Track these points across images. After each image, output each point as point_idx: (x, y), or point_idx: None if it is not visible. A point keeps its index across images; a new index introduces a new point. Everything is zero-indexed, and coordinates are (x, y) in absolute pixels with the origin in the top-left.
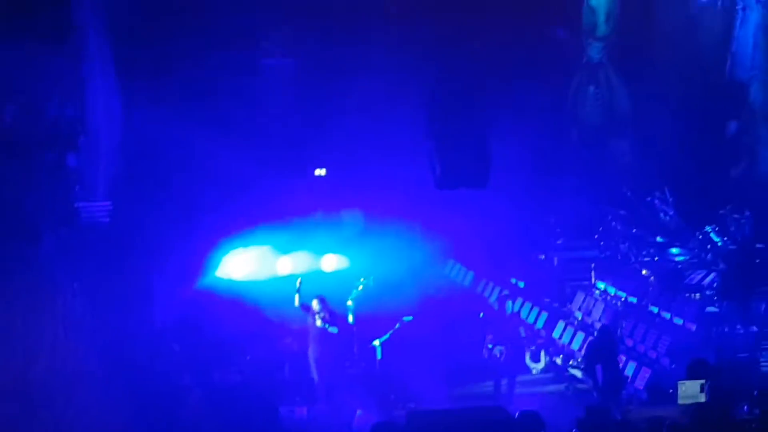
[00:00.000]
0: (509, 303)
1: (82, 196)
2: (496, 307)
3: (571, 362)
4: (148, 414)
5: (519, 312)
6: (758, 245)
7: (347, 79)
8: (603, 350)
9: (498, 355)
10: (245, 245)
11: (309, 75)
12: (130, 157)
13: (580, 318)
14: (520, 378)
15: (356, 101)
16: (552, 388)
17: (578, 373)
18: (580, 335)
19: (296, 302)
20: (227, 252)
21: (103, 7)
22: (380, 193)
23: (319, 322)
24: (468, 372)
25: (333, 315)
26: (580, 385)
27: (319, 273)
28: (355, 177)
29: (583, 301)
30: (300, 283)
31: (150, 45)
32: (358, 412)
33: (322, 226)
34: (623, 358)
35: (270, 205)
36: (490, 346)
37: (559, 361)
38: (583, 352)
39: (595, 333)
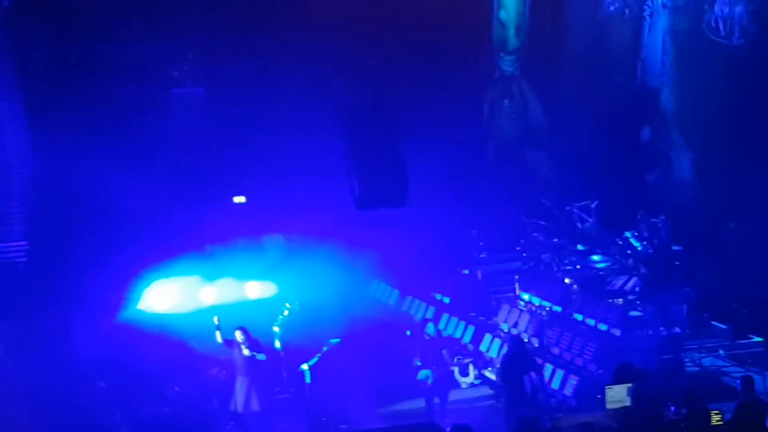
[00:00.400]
0: (430, 325)
1: None
2: (416, 331)
3: None
4: None
5: (441, 333)
6: (675, 248)
7: (260, 104)
8: (518, 361)
9: (425, 379)
10: (166, 276)
11: (221, 102)
12: (43, 195)
13: (506, 330)
14: (451, 393)
15: (271, 125)
16: (484, 403)
17: None
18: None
19: (219, 339)
20: (148, 284)
21: (10, 46)
22: (301, 217)
23: (246, 351)
24: (399, 390)
25: (257, 343)
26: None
27: (244, 301)
28: (275, 201)
29: (509, 313)
30: (218, 320)
31: (59, 81)
32: None
33: (244, 252)
34: (547, 365)
35: (189, 235)
36: (419, 367)
37: (489, 374)
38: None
39: (506, 346)
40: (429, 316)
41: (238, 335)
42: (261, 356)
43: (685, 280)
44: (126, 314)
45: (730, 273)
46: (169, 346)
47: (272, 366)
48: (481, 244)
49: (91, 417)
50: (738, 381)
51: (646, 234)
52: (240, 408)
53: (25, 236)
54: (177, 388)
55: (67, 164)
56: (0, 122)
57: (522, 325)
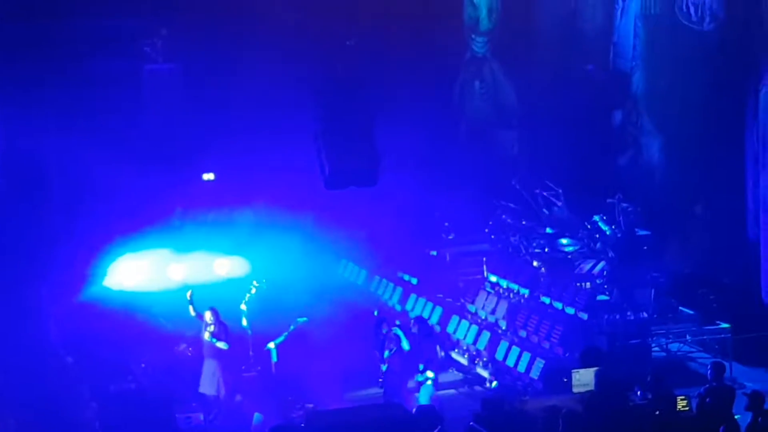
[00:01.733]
0: (384, 326)
1: None
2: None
3: (477, 361)
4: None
5: (391, 330)
6: (643, 233)
7: (233, 81)
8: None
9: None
10: (134, 251)
11: (193, 79)
12: (11, 169)
13: (483, 317)
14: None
15: (242, 102)
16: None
17: (484, 373)
18: (486, 334)
19: (192, 312)
20: (116, 259)
21: None
22: (271, 193)
23: (207, 336)
24: (364, 374)
25: (224, 327)
26: (477, 387)
27: (212, 277)
28: (245, 177)
29: (486, 299)
30: (191, 294)
31: (29, 55)
32: (256, 415)
33: (213, 227)
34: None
35: (158, 209)
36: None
37: (455, 355)
38: None
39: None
40: (396, 296)
41: (208, 316)
42: (222, 344)
43: (652, 265)
44: (93, 290)
45: (698, 258)
46: (137, 323)
47: (238, 346)
48: (447, 224)
49: (59, 392)
50: (708, 366)
51: (620, 218)
52: (206, 390)
53: None
54: (144, 365)
55: (35, 138)
56: None
57: (500, 312)
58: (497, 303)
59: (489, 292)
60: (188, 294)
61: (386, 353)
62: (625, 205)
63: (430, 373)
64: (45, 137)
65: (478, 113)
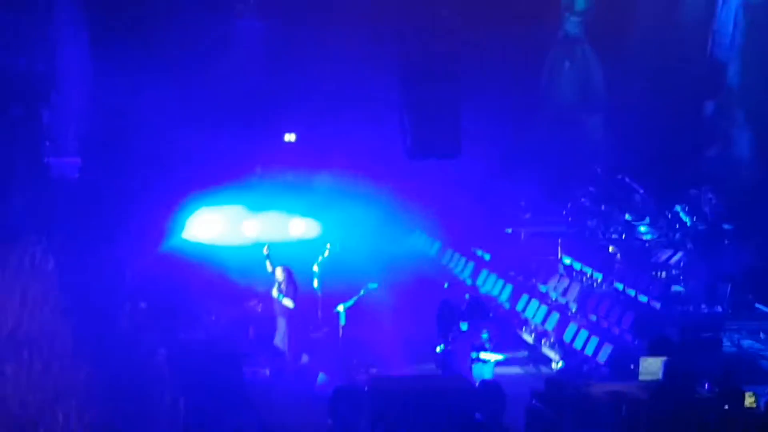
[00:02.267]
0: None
1: (52, 152)
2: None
3: (543, 341)
4: (113, 371)
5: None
6: (726, 226)
7: (320, 44)
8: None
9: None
10: (212, 206)
11: (281, 38)
12: (99, 116)
13: (554, 298)
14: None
15: (328, 66)
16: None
17: (550, 353)
18: (555, 315)
19: (269, 268)
20: (194, 213)
21: None
22: (350, 160)
23: (275, 293)
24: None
25: (293, 287)
26: (543, 368)
27: (286, 237)
28: (326, 142)
29: (558, 281)
30: (267, 249)
31: (122, 6)
32: (321, 375)
33: (290, 188)
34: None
35: (237, 168)
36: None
37: (525, 335)
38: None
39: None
40: (468, 270)
41: (279, 273)
42: (288, 301)
43: (732, 260)
44: (172, 241)
45: None
46: (211, 276)
47: (307, 307)
48: (523, 203)
49: (129, 335)
50: None
51: (704, 209)
52: (278, 344)
53: (78, 153)
54: (214, 317)
55: (123, 87)
56: (63, 44)
57: (571, 295)
58: (569, 285)
59: (561, 274)
60: (264, 249)
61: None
62: (710, 196)
63: (488, 355)
64: (133, 85)
65: (564, 94)
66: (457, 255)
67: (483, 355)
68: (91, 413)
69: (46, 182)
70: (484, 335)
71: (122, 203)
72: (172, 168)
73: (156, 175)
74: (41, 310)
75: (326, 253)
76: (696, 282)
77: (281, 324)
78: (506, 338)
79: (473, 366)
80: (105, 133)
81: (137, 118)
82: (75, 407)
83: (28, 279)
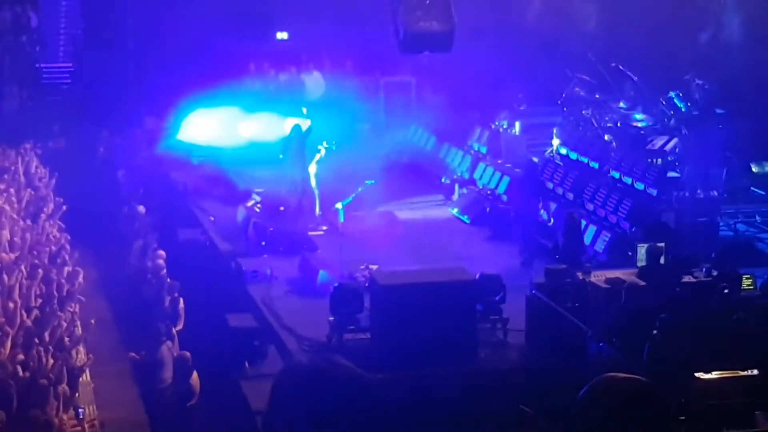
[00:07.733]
0: None
1: (42, 57)
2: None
3: None
4: (113, 272)
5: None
6: (719, 111)
7: None
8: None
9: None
10: (206, 107)
11: None
12: (90, 20)
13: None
14: None
15: None
16: None
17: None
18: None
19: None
20: (188, 114)
21: None
22: (343, 56)
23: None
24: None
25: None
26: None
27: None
28: (318, 39)
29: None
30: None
31: None
32: (322, 272)
33: (284, 89)
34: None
35: (231, 67)
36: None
37: None
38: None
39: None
40: (465, 164)
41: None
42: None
43: (726, 144)
44: (167, 143)
45: None
46: (208, 177)
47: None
48: (520, 95)
49: (129, 239)
50: None
51: (696, 96)
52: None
53: (70, 58)
54: (213, 218)
55: None
56: None
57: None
58: (565, 174)
59: (558, 164)
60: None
61: None
62: (701, 82)
63: None
64: None
65: None
66: (454, 149)
67: None
68: (93, 315)
69: (37, 87)
70: None
71: (116, 107)
72: (167, 69)
73: (150, 77)
74: (39, 220)
75: (322, 152)
76: (692, 167)
77: None
78: None
79: None
80: (95, 38)
81: (125, 22)
82: (77, 310)
83: (23, 187)
